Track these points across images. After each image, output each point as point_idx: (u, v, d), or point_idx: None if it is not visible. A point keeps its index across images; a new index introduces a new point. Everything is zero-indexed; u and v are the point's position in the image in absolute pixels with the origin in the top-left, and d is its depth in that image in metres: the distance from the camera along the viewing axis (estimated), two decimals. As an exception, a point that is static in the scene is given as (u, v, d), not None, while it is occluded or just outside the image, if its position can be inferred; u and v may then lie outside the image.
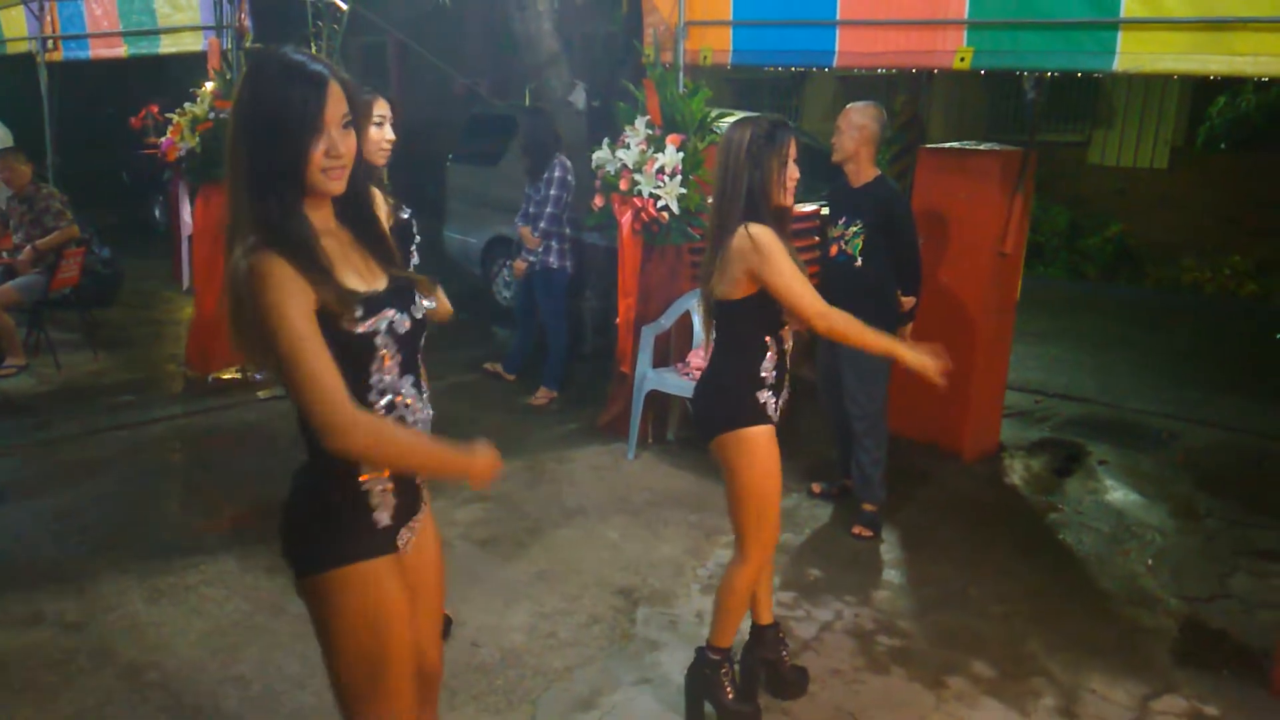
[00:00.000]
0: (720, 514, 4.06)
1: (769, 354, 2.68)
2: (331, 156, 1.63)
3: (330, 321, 1.62)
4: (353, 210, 1.78)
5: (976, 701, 3.02)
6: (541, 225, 5.62)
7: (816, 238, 5.21)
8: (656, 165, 4.72)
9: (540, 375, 5.89)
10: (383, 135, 2.93)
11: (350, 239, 1.77)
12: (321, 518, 1.73)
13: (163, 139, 6.08)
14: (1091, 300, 9.30)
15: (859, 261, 4.06)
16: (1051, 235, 10.26)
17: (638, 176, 4.76)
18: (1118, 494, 4.72)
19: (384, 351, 1.71)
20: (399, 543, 1.82)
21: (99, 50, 7.41)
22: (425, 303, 1.85)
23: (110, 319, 7.22)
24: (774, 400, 2.71)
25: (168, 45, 6.67)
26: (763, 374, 2.68)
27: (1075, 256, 10.29)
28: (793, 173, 2.64)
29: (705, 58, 4.87)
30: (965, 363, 4.91)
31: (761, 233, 2.56)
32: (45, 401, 5.64)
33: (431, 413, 1.87)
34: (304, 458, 1.75)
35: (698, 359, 4.81)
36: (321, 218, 1.71)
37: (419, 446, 1.73)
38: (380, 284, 1.75)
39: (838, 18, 4.35)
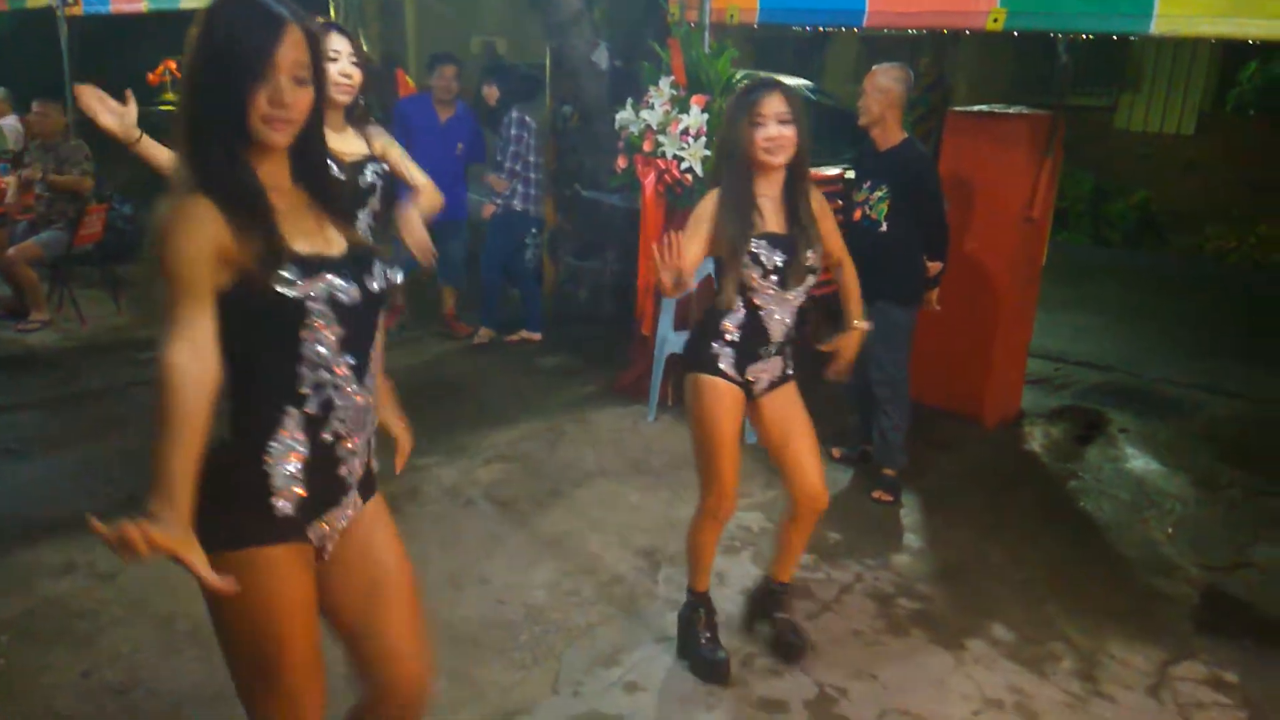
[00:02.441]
0: (740, 477, 4.07)
1: (736, 311, 2.70)
2: (274, 105, 1.51)
3: (259, 281, 1.50)
4: (310, 171, 1.66)
5: (995, 664, 3.05)
6: (507, 166, 5.81)
7: (840, 202, 5.17)
8: (681, 126, 4.67)
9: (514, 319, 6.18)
10: (338, 70, 2.86)
11: (305, 200, 1.65)
12: (219, 495, 1.54)
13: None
14: (1114, 267, 9.21)
15: (884, 226, 4.03)
16: (1076, 200, 10.14)
17: (661, 138, 4.73)
18: (1138, 462, 4.72)
19: (318, 320, 1.56)
20: (311, 535, 1.68)
21: (119, 4, 7.38)
22: (390, 274, 1.71)
23: (133, 274, 7.25)
24: (733, 357, 2.72)
25: (189, 1, 6.63)
26: (723, 328, 2.71)
27: (1099, 223, 10.18)
28: (770, 132, 2.58)
29: (732, 16, 4.80)
30: (988, 329, 4.89)
31: (704, 201, 2.67)
32: (69, 356, 5.70)
33: (370, 401, 1.70)
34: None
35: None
36: (271, 173, 1.60)
37: (163, 459, 1.42)
38: (330, 249, 1.62)
39: (868, -23, 4.27)
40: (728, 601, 3.25)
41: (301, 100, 1.55)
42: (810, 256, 2.69)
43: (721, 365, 2.73)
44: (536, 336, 6.19)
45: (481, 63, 9.74)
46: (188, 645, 2.99)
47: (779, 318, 2.71)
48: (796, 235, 2.67)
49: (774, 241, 2.64)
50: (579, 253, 6.79)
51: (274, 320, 1.55)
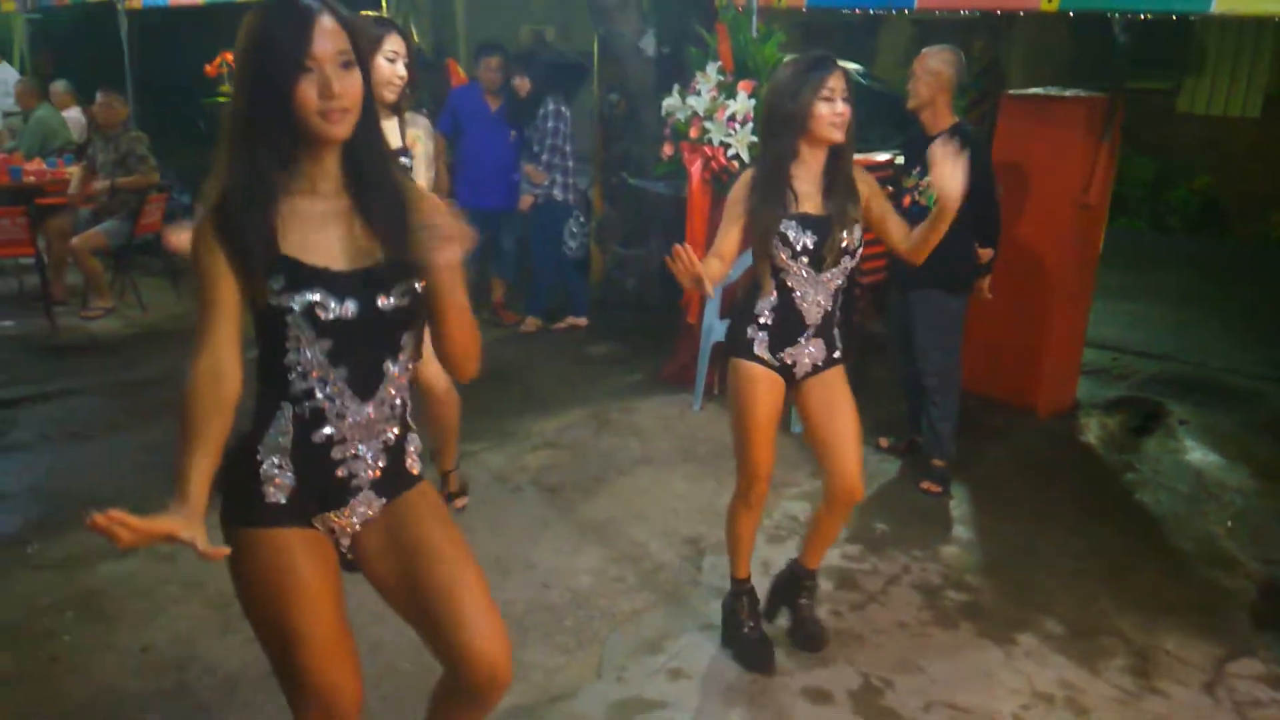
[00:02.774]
0: (787, 466, 4.06)
1: (769, 294, 2.68)
2: (325, 95, 1.50)
3: (252, 282, 1.57)
4: (361, 171, 1.63)
5: (1046, 659, 3.00)
6: (544, 158, 5.86)
7: (890, 188, 5.10)
8: (728, 113, 4.65)
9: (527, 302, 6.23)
10: (394, 71, 2.89)
11: (347, 206, 1.63)
12: (227, 478, 1.65)
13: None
14: (1175, 254, 8.99)
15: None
16: (1136, 186, 9.89)
17: (708, 124, 4.70)
18: (1197, 454, 4.60)
19: (294, 331, 1.59)
20: (319, 527, 1.72)
21: (177, -1, 7.53)
22: (416, 286, 1.66)
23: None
24: (767, 340, 2.70)
25: (244, -8, 6.74)
26: (756, 312, 2.70)
27: (1160, 209, 9.93)
28: (838, 107, 2.55)
29: (780, 1, 4.76)
30: (1042, 317, 4.80)
31: (738, 183, 2.67)
32: (130, 343, 5.85)
33: (368, 417, 1.68)
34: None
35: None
36: (321, 174, 1.60)
37: (179, 458, 1.56)
38: (350, 263, 1.61)
39: (919, -41, 4.21)
40: (772, 590, 3.23)
41: (351, 86, 1.54)
42: (846, 238, 2.63)
43: (756, 350, 2.71)
44: (583, 321, 6.23)
45: (531, 49, 9.76)
46: (242, 625, 3.01)
47: (815, 300, 2.67)
48: (832, 215, 2.62)
49: (805, 222, 2.61)
50: (626, 241, 6.79)
51: (263, 324, 1.61)
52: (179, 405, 1.57)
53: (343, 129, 1.55)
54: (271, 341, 1.62)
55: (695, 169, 4.85)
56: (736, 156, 4.68)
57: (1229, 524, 3.91)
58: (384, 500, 1.77)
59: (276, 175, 1.56)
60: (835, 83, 2.55)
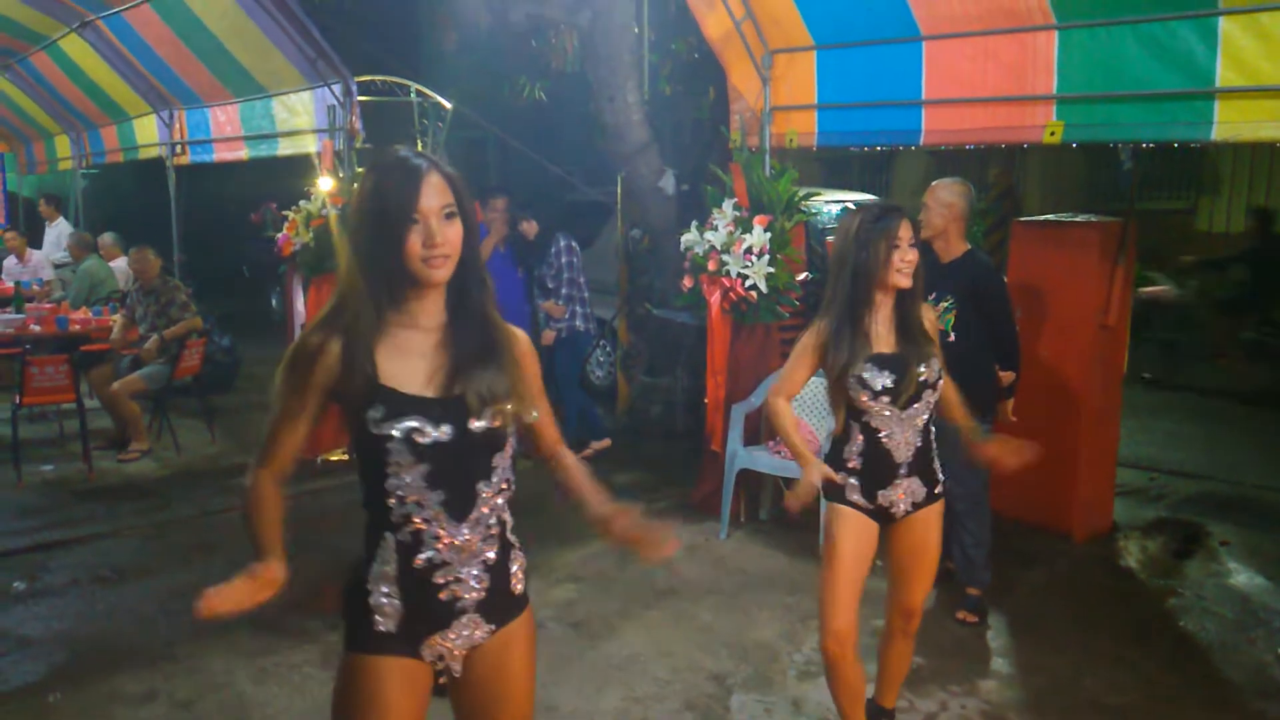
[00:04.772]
0: (816, 596, 3.97)
1: (855, 439, 2.70)
2: (429, 246, 1.66)
3: (357, 416, 1.69)
4: (464, 308, 1.76)
5: (1093, 801, 2.85)
6: (564, 292, 6.05)
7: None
8: (744, 246, 4.78)
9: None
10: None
11: (444, 339, 1.76)
12: (347, 604, 1.79)
13: (279, 234, 6.46)
14: (1205, 370, 8.89)
15: (952, 337, 3.99)
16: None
17: (725, 257, 4.83)
18: (1242, 577, 4.45)
19: (397, 458, 1.68)
20: (423, 653, 1.77)
21: (222, 154, 7.96)
22: (496, 418, 1.75)
23: (228, 404, 7.59)
24: (859, 486, 2.70)
25: (285, 147, 7.12)
26: (845, 457, 2.71)
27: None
28: (906, 255, 2.64)
29: (791, 140, 4.95)
30: (1070, 438, 4.75)
31: (808, 333, 2.74)
32: (165, 484, 5.94)
33: (466, 539, 1.74)
34: None
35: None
36: (424, 310, 1.73)
37: (251, 530, 1.80)
38: (440, 390, 1.71)
39: (923, 97, 4.38)
40: (802, 730, 3.13)
41: (452, 235, 1.69)
42: (924, 371, 2.66)
43: (849, 495, 2.72)
44: (607, 442, 6.25)
45: (560, 190, 10.13)
46: (259, 774, 3.00)
47: (903, 438, 2.68)
48: (908, 353, 2.66)
49: (881, 362, 2.64)
50: (651, 369, 6.88)
51: (366, 453, 1.71)
52: (243, 503, 1.78)
53: (443, 273, 1.70)
54: (373, 469, 1.71)
55: (714, 299, 4.95)
56: (754, 287, 4.78)
57: (1279, 651, 3.75)
58: (492, 626, 1.81)
59: (386, 311, 1.71)
60: (904, 231, 2.64)
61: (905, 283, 2.65)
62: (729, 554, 4.72)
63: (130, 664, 3.66)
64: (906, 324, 2.70)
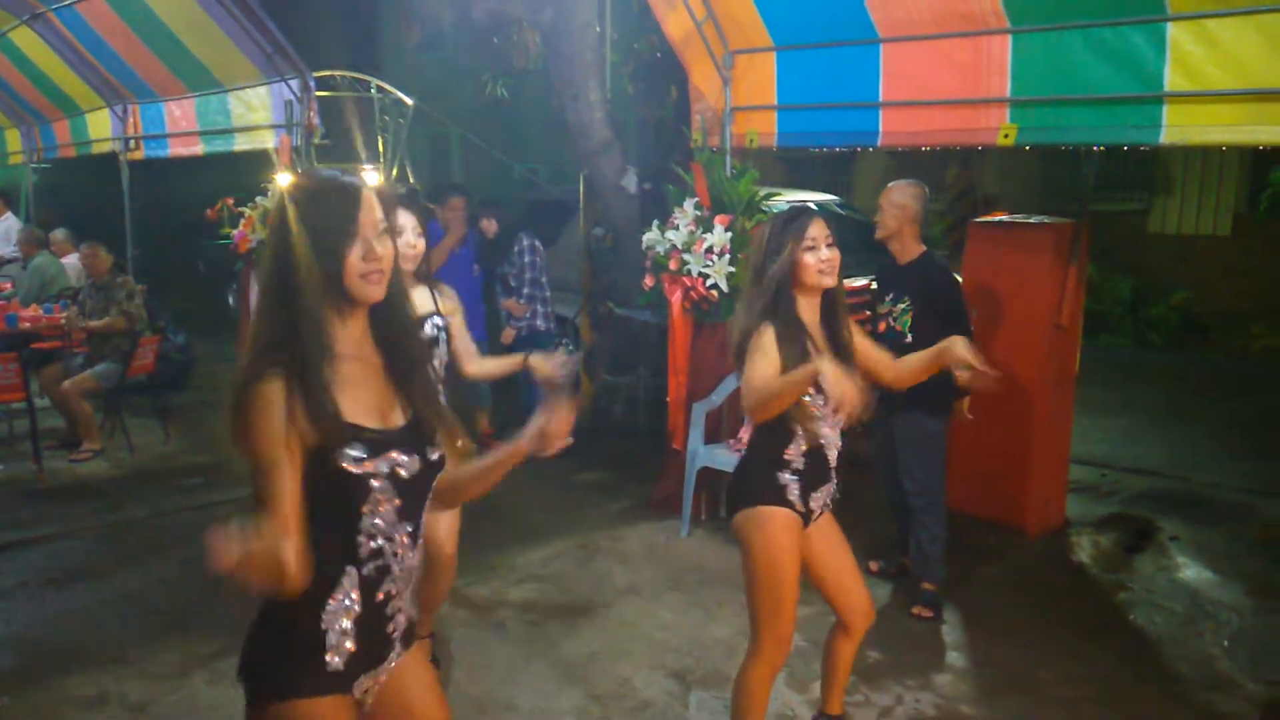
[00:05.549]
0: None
1: (798, 440, 2.64)
2: (369, 260, 1.64)
3: (325, 456, 1.59)
4: (390, 330, 1.74)
5: (1044, 792, 2.91)
6: (526, 291, 6.10)
7: (867, 313, 5.22)
8: (705, 245, 4.80)
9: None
10: (406, 243, 3.07)
11: (379, 364, 1.74)
12: (276, 649, 1.67)
13: (235, 231, 6.37)
14: (1158, 370, 9.08)
15: (909, 337, 4.04)
16: (1114, 304, 10.10)
17: (687, 256, 4.85)
18: (1190, 571, 4.55)
19: (379, 496, 1.64)
20: (355, 689, 1.72)
21: (177, 149, 7.85)
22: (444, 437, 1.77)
23: (183, 402, 7.46)
24: (799, 486, 2.64)
25: (241, 143, 7.04)
26: (787, 457, 2.65)
27: (1140, 325, 10.10)
28: (823, 254, 2.60)
29: (751, 140, 4.98)
30: (1024, 436, 4.83)
31: (761, 335, 2.57)
32: (117, 484, 5.83)
33: (412, 565, 1.75)
34: None
35: (749, 435, 4.80)
36: (353, 338, 1.70)
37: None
38: (397, 419, 1.71)
39: (880, 99, 4.43)
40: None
41: (388, 251, 1.68)
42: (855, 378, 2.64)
43: (789, 496, 2.64)
44: (569, 440, 6.21)
45: (522, 188, 10.12)
46: (213, 777, 2.96)
47: (833, 442, 2.68)
48: (842, 358, 2.62)
49: None
50: (613, 368, 6.88)
51: (338, 493, 1.62)
52: (282, 583, 1.50)
53: (379, 290, 1.67)
54: (342, 511, 1.63)
55: (676, 298, 4.97)
56: (715, 286, 4.80)
57: (1226, 644, 3.84)
58: (403, 651, 1.81)
59: (333, 338, 1.64)
60: (816, 230, 2.60)
61: (829, 282, 2.61)
62: (690, 552, 4.74)
63: (82, 666, 3.60)
64: (834, 330, 2.69)
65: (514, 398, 6.36)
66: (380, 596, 1.70)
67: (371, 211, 1.66)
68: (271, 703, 1.66)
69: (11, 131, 10.65)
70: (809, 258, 2.60)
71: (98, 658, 3.67)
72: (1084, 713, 3.34)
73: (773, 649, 2.64)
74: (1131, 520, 5.18)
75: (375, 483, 1.63)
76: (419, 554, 1.77)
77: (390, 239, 1.69)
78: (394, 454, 1.66)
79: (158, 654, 3.69)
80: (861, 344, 2.78)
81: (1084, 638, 3.88)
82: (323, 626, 1.65)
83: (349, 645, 1.67)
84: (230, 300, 11.88)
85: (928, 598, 4.10)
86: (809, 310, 2.68)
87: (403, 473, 1.66)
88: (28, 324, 6.69)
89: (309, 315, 1.61)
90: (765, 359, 2.56)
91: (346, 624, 1.66)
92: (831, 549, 2.76)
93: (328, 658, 1.66)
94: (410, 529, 1.71)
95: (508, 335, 6.11)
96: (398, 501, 1.67)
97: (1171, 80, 3.55)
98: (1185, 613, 4.13)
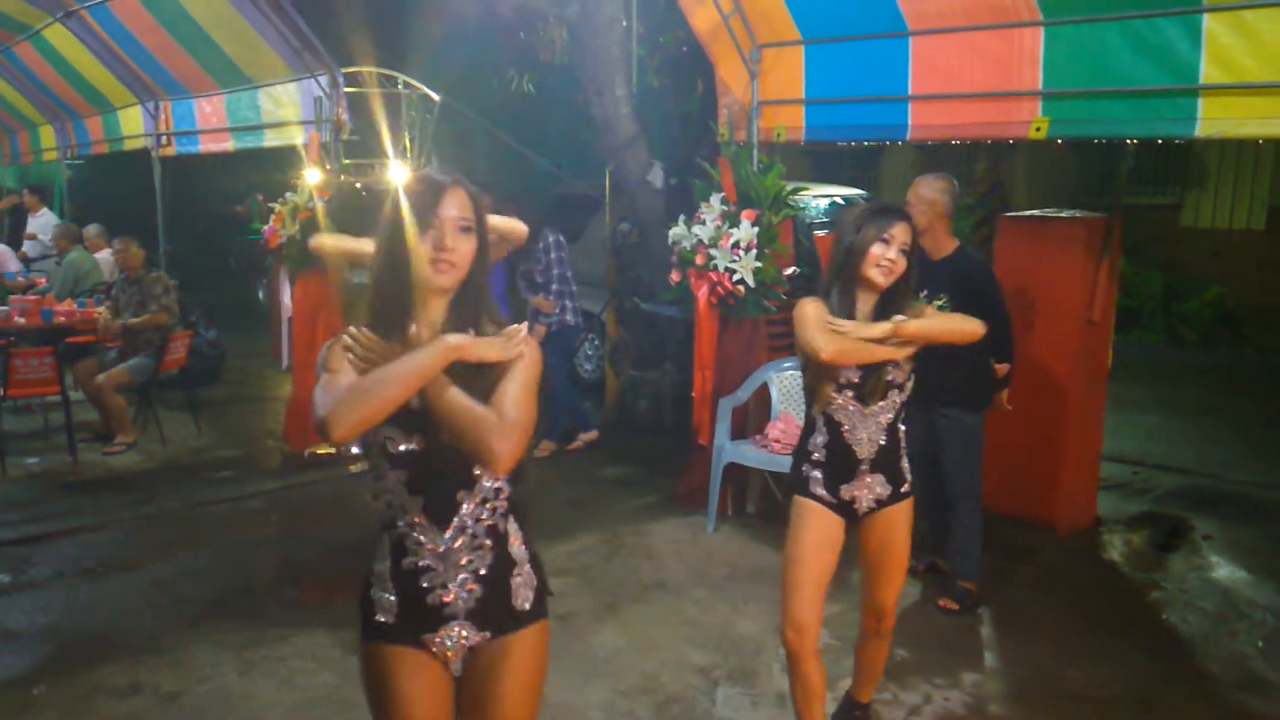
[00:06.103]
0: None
1: (820, 431, 2.69)
2: (437, 249, 1.74)
3: None
4: (458, 326, 1.80)
5: (1074, 792, 2.88)
6: (554, 287, 6.08)
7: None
8: (732, 240, 4.78)
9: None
10: None
11: None
12: (361, 595, 1.91)
13: (265, 226, 6.43)
14: (1190, 366, 8.96)
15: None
16: (1146, 300, 9.97)
17: (713, 251, 4.83)
18: (1223, 570, 4.49)
19: (379, 464, 1.79)
20: (429, 646, 1.83)
21: (208, 145, 7.91)
22: None
23: (214, 396, 7.56)
24: (822, 478, 2.69)
25: (271, 139, 7.08)
26: (809, 449, 2.71)
27: (1172, 321, 9.97)
28: (889, 253, 2.56)
29: (779, 135, 4.95)
30: (1054, 433, 4.78)
31: (804, 303, 2.62)
32: (150, 476, 5.91)
33: (452, 548, 1.81)
34: None
35: (775, 431, 4.79)
36: (424, 319, 1.79)
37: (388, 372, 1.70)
38: (418, 401, 1.74)
39: (909, 92, 4.39)
40: (787, 722, 3.14)
41: (463, 245, 1.77)
42: (891, 371, 2.62)
43: (812, 487, 2.71)
44: (595, 435, 6.32)
45: (548, 183, 10.13)
46: (244, 767, 3.00)
47: (865, 435, 2.66)
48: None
49: None
50: (639, 363, 6.88)
51: (366, 454, 1.82)
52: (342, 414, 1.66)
53: (445, 279, 1.77)
54: (371, 469, 1.83)
55: (702, 293, 4.96)
56: (741, 281, 4.78)
57: (1260, 644, 3.79)
58: (487, 634, 1.86)
59: (405, 319, 1.78)
60: (898, 232, 2.58)
61: (876, 277, 2.58)
62: (716, 547, 4.74)
63: (115, 656, 3.65)
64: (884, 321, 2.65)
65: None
66: (407, 565, 1.80)
67: (456, 207, 1.77)
68: (361, 641, 1.89)
69: (45, 128, 10.78)
70: (876, 248, 2.58)
71: (131, 648, 3.72)
72: (1114, 713, 3.30)
73: (786, 626, 2.71)
74: (1163, 518, 5.12)
75: (374, 449, 1.78)
76: (464, 541, 1.80)
77: (473, 236, 1.78)
78: (388, 429, 1.75)
79: (190, 644, 3.74)
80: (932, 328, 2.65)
81: (1115, 637, 3.84)
82: (371, 580, 1.87)
83: (389, 604, 1.83)
84: (260, 295, 12.01)
85: (958, 593, 4.06)
86: (864, 303, 2.65)
87: (391, 447, 1.76)
88: (62, 318, 6.79)
89: (381, 292, 1.78)
90: (813, 322, 2.56)
91: (384, 583, 1.84)
92: (882, 550, 2.77)
93: (375, 609, 1.85)
94: (425, 504, 1.78)
95: (540, 331, 6.10)
96: (402, 473, 1.78)
97: (1207, 72, 3.50)
98: (1218, 612, 4.07)
